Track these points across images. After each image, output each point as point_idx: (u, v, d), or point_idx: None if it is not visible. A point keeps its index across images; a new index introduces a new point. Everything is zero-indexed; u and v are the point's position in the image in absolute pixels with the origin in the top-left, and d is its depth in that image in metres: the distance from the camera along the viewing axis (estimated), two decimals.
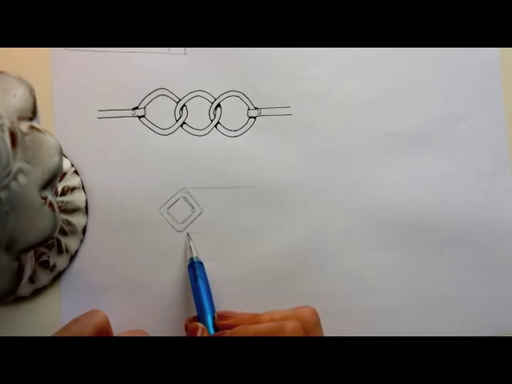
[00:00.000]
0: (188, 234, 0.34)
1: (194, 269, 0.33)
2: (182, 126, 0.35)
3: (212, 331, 0.31)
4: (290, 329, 0.27)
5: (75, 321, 0.30)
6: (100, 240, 0.34)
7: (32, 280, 0.33)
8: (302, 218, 0.36)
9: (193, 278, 0.33)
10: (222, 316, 0.32)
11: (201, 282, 0.33)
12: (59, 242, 0.33)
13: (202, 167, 0.35)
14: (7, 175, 0.23)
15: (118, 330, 0.32)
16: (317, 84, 0.36)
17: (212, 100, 0.36)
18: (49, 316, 0.33)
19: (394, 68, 0.37)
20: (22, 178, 0.24)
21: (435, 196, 0.37)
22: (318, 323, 0.29)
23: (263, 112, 0.36)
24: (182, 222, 0.35)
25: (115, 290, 0.34)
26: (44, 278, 0.33)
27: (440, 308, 0.36)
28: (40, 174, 0.24)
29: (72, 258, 0.33)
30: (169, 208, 0.34)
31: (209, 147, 0.35)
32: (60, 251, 0.33)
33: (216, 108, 0.36)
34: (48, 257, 0.33)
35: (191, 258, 0.34)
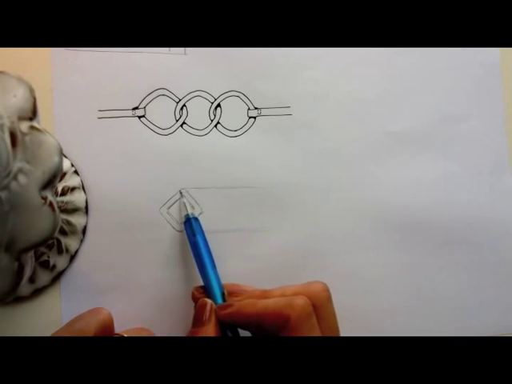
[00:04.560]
0: (181, 192, 0.34)
1: (191, 224, 0.33)
2: (182, 125, 0.35)
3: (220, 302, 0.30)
4: (299, 305, 0.27)
5: (80, 317, 0.30)
6: (100, 240, 0.34)
7: (32, 280, 0.33)
8: (301, 218, 0.36)
9: (191, 234, 0.32)
10: (232, 293, 0.31)
11: (199, 237, 0.32)
12: (59, 242, 0.33)
13: (202, 167, 0.35)
14: (7, 175, 0.23)
15: (118, 329, 0.32)
16: (317, 84, 0.36)
17: (212, 100, 0.36)
18: (49, 316, 0.33)
19: (394, 68, 0.37)
20: (22, 178, 0.24)
21: (435, 196, 0.37)
22: (329, 299, 0.28)
23: (263, 112, 0.36)
24: (182, 222, 0.35)
25: (115, 290, 0.34)
26: (44, 277, 0.33)
27: (440, 308, 0.36)
28: (40, 174, 0.24)
29: (72, 258, 0.33)
30: (169, 208, 0.34)
31: (209, 147, 0.35)
32: (60, 251, 0.33)
33: (216, 108, 0.36)
34: (48, 257, 0.33)
35: (186, 215, 0.33)
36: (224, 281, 0.34)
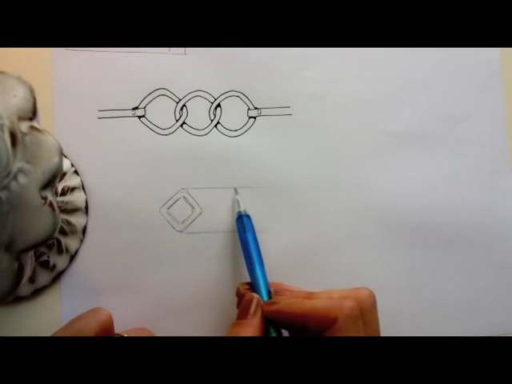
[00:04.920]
0: (235, 189, 0.35)
1: (242, 221, 0.33)
2: (182, 125, 0.35)
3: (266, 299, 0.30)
4: (348, 307, 0.27)
5: (79, 317, 0.30)
6: (100, 240, 0.34)
7: (32, 280, 0.33)
8: (301, 218, 0.36)
9: (242, 231, 0.33)
10: (278, 292, 0.31)
11: (249, 234, 0.32)
12: (59, 242, 0.33)
13: (202, 167, 0.35)
14: (7, 175, 0.23)
15: (118, 330, 0.32)
16: (317, 84, 0.36)
17: (212, 100, 0.36)
18: (49, 316, 0.33)
19: (394, 68, 0.37)
20: (22, 178, 0.24)
21: (435, 196, 0.37)
22: (374, 305, 0.29)
23: (263, 112, 0.36)
24: (182, 222, 0.35)
25: (115, 290, 0.34)
26: (44, 277, 0.33)
27: (440, 308, 0.36)
28: (40, 174, 0.24)
29: (72, 257, 0.33)
30: (169, 208, 0.34)
31: (209, 147, 0.35)
32: (60, 251, 0.33)
33: (216, 108, 0.36)
34: (48, 257, 0.33)
35: (239, 212, 0.34)
36: (225, 281, 0.34)
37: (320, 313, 0.27)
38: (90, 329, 0.29)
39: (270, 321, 0.29)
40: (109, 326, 0.31)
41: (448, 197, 0.37)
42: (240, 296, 0.31)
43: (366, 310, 0.28)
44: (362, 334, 0.27)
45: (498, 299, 0.36)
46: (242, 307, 0.30)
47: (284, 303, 0.29)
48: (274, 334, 0.29)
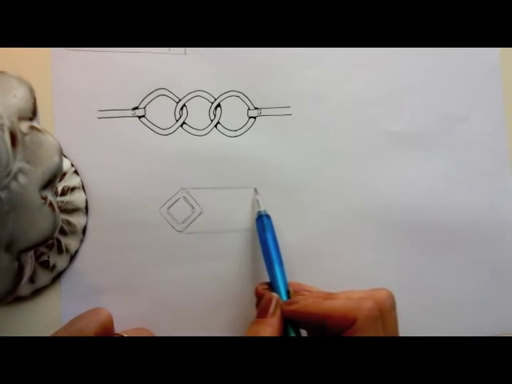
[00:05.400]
0: (255, 189, 0.35)
1: (262, 221, 0.33)
2: (182, 125, 0.35)
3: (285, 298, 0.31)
4: (368, 308, 0.27)
5: (80, 317, 0.30)
6: (100, 240, 0.34)
7: (32, 280, 0.33)
8: (301, 217, 0.36)
9: (261, 230, 0.33)
10: (297, 292, 0.31)
11: (269, 234, 0.32)
12: (59, 242, 0.33)
13: (202, 167, 0.35)
14: (7, 175, 0.23)
15: (118, 329, 0.32)
16: (317, 84, 0.36)
17: (212, 100, 0.36)
18: (49, 316, 0.33)
19: (394, 68, 0.37)
20: (22, 178, 0.24)
21: (435, 196, 0.37)
22: (394, 306, 0.29)
23: (263, 112, 0.36)
24: (182, 222, 0.35)
25: (115, 290, 0.34)
26: (44, 277, 0.33)
27: (440, 308, 0.36)
28: (40, 174, 0.24)
29: (72, 257, 0.33)
30: (169, 208, 0.34)
31: (209, 147, 0.35)
32: (60, 251, 0.33)
33: (216, 108, 0.36)
34: (48, 257, 0.33)
35: (259, 212, 0.34)
36: (224, 281, 0.34)
37: (339, 313, 0.27)
38: (90, 329, 0.29)
39: (290, 320, 0.29)
40: (109, 325, 0.31)
41: (448, 197, 0.37)
42: (259, 295, 0.31)
43: (385, 310, 0.28)
44: (381, 335, 0.27)
45: (498, 299, 0.36)
46: (262, 306, 0.30)
47: (303, 303, 0.29)
48: (292, 334, 0.29)
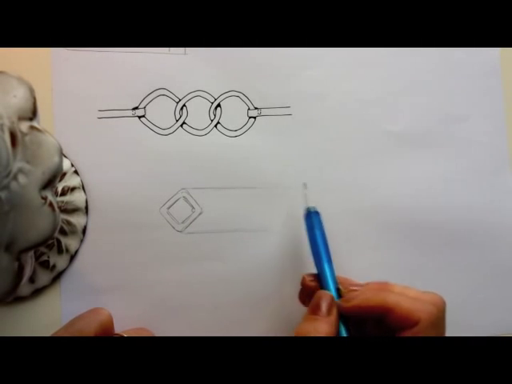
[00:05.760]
0: (305, 184, 0.34)
1: (311, 218, 0.33)
2: (182, 125, 0.35)
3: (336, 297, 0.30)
4: (433, 313, 0.27)
5: (80, 317, 0.30)
6: (100, 240, 0.34)
7: (32, 280, 0.33)
8: (301, 217, 0.35)
9: (310, 227, 0.32)
10: (346, 288, 0.31)
11: (317, 231, 0.32)
12: (59, 242, 0.33)
13: (202, 167, 0.35)
14: (7, 175, 0.23)
15: (118, 330, 0.32)
16: (317, 84, 0.36)
17: (212, 100, 0.36)
18: (49, 316, 0.33)
19: (393, 68, 0.37)
20: (22, 178, 0.24)
21: (435, 196, 0.37)
22: (445, 311, 0.29)
23: (263, 112, 0.36)
24: (182, 222, 0.35)
25: (115, 290, 0.34)
26: (44, 277, 0.33)
27: None
28: (40, 174, 0.24)
29: (72, 257, 0.33)
30: (169, 208, 0.34)
31: (209, 147, 0.35)
32: (60, 251, 0.33)
33: (216, 108, 0.36)
34: (48, 257, 0.33)
35: (308, 208, 0.33)
36: (224, 281, 0.34)
37: (404, 311, 0.27)
38: (90, 329, 0.29)
39: (344, 319, 0.29)
40: (109, 325, 0.31)
41: (448, 197, 0.37)
42: (306, 287, 0.31)
43: (442, 318, 0.28)
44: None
45: (498, 299, 0.36)
46: (315, 303, 0.30)
47: (363, 298, 0.29)
48: (344, 333, 0.29)
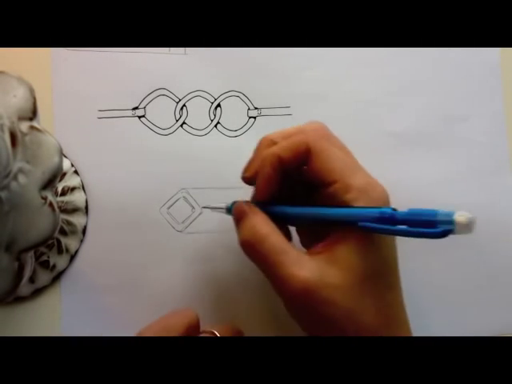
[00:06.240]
0: None
1: None
2: (182, 125, 0.35)
3: None
4: (312, 127, 0.28)
5: (167, 316, 0.29)
6: (100, 240, 0.34)
7: (32, 280, 0.33)
8: None
9: None
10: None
11: None
12: (59, 242, 0.33)
13: (202, 167, 0.35)
14: (7, 175, 0.23)
15: (118, 329, 0.32)
16: (317, 84, 0.36)
17: (212, 100, 0.36)
18: (49, 316, 0.33)
19: (394, 68, 0.37)
20: (22, 178, 0.24)
21: (435, 196, 0.37)
22: (331, 133, 0.30)
23: (263, 112, 0.36)
24: (182, 222, 0.35)
25: (115, 290, 0.34)
26: (44, 277, 0.33)
27: (440, 308, 0.36)
28: (40, 174, 0.25)
29: (72, 258, 0.33)
30: (169, 208, 0.34)
31: (209, 147, 0.35)
32: (60, 251, 0.33)
33: (216, 108, 0.36)
34: (48, 257, 0.33)
35: None
36: (223, 281, 0.34)
37: (291, 149, 0.27)
38: (177, 327, 0.28)
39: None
40: (195, 325, 0.28)
41: (448, 197, 0.37)
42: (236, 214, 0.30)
43: (328, 135, 0.29)
44: (337, 147, 0.28)
45: (498, 299, 0.36)
46: (235, 213, 0.29)
47: (254, 168, 0.28)
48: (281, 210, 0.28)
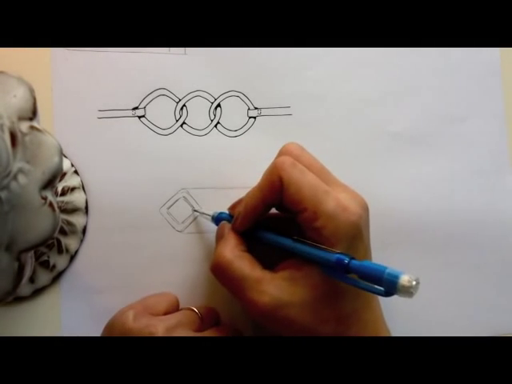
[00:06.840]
0: None
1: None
2: (182, 125, 0.35)
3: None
4: (280, 161, 0.28)
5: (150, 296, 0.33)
6: (100, 240, 0.34)
7: (32, 280, 0.33)
8: None
9: None
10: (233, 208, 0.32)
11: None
12: (59, 242, 0.33)
13: (202, 167, 0.35)
14: (7, 175, 0.23)
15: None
16: (317, 84, 0.36)
17: (212, 100, 0.36)
18: (49, 316, 0.33)
19: (394, 68, 0.37)
20: (22, 178, 0.24)
21: (435, 196, 0.37)
22: (301, 149, 0.30)
23: (263, 112, 0.36)
24: (182, 222, 0.35)
25: (115, 290, 0.34)
26: (44, 277, 0.33)
27: (440, 308, 0.36)
28: (40, 174, 0.24)
29: (72, 258, 0.33)
30: (169, 208, 0.34)
31: (209, 147, 0.35)
32: (60, 251, 0.33)
33: (216, 108, 0.36)
34: (48, 257, 0.33)
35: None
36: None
37: (265, 184, 0.29)
38: (158, 306, 0.31)
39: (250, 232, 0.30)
40: (175, 304, 0.32)
41: (448, 197, 0.37)
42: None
43: (297, 154, 0.29)
44: (308, 173, 0.28)
45: (498, 299, 0.36)
46: (216, 234, 0.32)
47: (240, 211, 0.30)
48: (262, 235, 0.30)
